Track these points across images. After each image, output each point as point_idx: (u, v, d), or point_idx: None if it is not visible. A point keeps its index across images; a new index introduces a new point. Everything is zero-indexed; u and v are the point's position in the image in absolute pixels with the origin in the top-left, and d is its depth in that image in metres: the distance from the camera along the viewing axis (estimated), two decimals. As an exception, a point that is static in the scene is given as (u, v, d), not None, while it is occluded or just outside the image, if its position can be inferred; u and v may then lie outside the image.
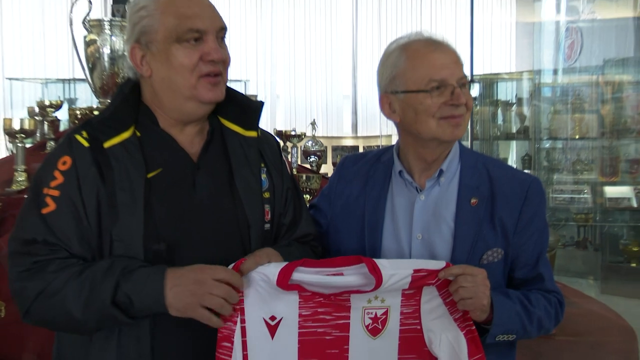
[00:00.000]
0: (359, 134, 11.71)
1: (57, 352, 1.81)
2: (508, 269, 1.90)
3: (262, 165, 1.86)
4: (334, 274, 1.65)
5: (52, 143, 4.22)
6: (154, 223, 1.69)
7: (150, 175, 1.71)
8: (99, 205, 1.68)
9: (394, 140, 9.68)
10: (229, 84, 1.83)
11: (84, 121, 1.81)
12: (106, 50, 4.23)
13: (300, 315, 1.66)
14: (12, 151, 4.37)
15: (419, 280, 1.68)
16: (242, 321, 1.64)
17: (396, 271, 1.66)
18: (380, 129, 11.52)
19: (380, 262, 1.65)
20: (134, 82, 1.82)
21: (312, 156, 4.57)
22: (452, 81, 1.80)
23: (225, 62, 1.75)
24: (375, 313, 1.70)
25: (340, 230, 1.99)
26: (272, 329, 1.66)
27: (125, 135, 1.73)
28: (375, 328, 1.71)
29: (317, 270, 1.65)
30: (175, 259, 1.67)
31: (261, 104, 1.91)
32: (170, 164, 1.76)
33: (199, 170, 1.78)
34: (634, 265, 7.02)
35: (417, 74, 1.81)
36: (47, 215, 1.67)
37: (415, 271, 1.67)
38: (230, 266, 1.64)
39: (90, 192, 1.68)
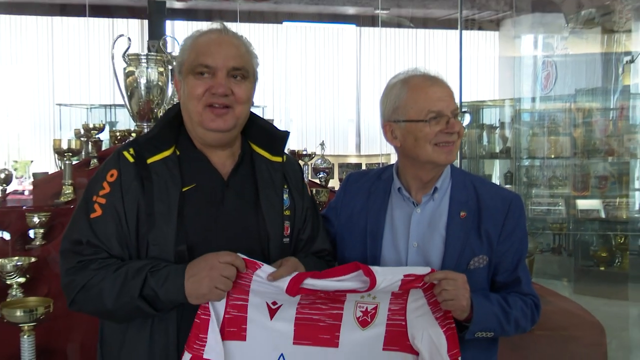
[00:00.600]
0: (362, 153, 11.71)
1: (101, 336, 1.83)
2: (491, 273, 1.90)
3: (285, 186, 1.86)
4: (337, 280, 1.66)
5: (95, 161, 4.24)
6: (185, 231, 1.70)
7: (185, 189, 1.73)
8: (138, 213, 1.70)
9: (392, 158, 9.64)
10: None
11: (132, 139, 1.84)
12: (142, 81, 4.26)
13: (299, 304, 1.67)
14: (60, 167, 4.38)
15: (408, 284, 1.68)
16: (244, 300, 1.65)
17: (388, 276, 1.66)
18: (380, 149, 11.52)
19: (375, 269, 1.66)
20: (179, 107, 1.84)
21: (322, 172, 4.57)
22: (447, 112, 1.81)
23: (235, 96, 1.74)
24: (366, 307, 1.71)
25: (345, 238, 1.99)
26: (272, 312, 1.66)
27: (167, 153, 1.75)
28: (365, 320, 1.71)
29: (322, 280, 1.65)
30: None
31: (287, 133, 1.92)
32: (203, 180, 1.77)
33: (228, 188, 1.79)
34: (602, 268, 7.00)
35: (417, 106, 1.82)
36: (93, 220, 1.70)
37: (405, 276, 1.68)
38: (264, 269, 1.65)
39: (132, 202, 1.70)
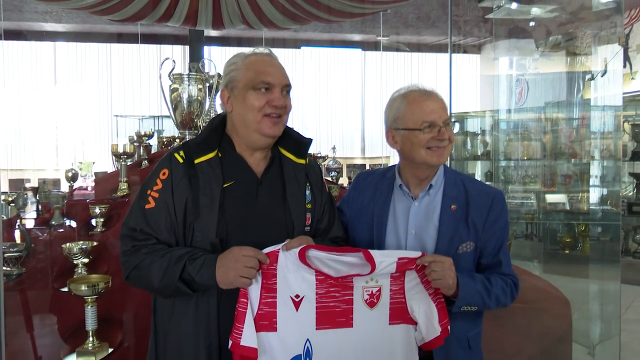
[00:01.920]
0: (366, 155, 11.70)
1: (153, 307, 1.82)
2: (477, 257, 1.88)
3: (307, 184, 1.85)
4: (339, 255, 1.67)
5: (146, 162, 4.25)
6: (225, 221, 1.70)
7: (225, 185, 1.73)
8: (185, 206, 1.70)
9: (392, 160, 9.63)
10: None
11: (183, 143, 1.84)
12: (185, 96, 4.28)
13: (317, 294, 1.67)
14: (117, 168, 4.40)
15: (403, 266, 1.68)
16: (272, 297, 1.65)
17: (385, 259, 1.66)
18: (382, 152, 11.50)
19: (373, 252, 1.66)
20: (223, 116, 1.84)
21: (333, 172, 4.57)
22: (439, 122, 1.81)
23: (286, 108, 1.77)
24: (372, 291, 1.70)
25: (356, 226, 1.98)
26: (297, 304, 1.66)
27: (211, 155, 1.75)
28: (372, 302, 1.70)
29: (326, 253, 1.66)
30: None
31: (310, 140, 1.91)
32: (241, 178, 1.76)
33: (261, 185, 1.78)
34: (567, 252, 6.97)
35: (414, 117, 1.81)
36: (147, 211, 1.71)
37: (400, 259, 1.68)
38: (272, 248, 1.65)
39: (181, 196, 1.70)
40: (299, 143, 1.88)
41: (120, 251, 1.74)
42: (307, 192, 1.85)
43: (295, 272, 1.65)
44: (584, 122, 6.94)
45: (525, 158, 7.46)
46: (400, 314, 1.72)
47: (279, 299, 1.65)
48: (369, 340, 1.70)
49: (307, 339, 1.67)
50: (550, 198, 7.11)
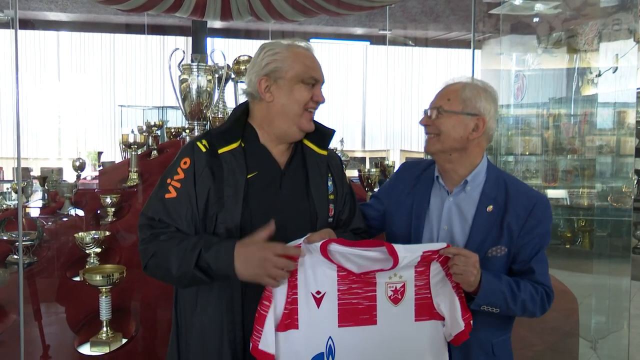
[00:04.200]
0: (366, 149, 11.67)
1: (175, 298, 1.78)
2: (509, 262, 1.80)
3: (329, 175, 1.81)
4: (361, 250, 1.60)
5: (155, 152, 4.21)
6: (250, 211, 1.66)
7: (249, 176, 1.68)
8: (208, 196, 1.65)
9: (391, 154, 9.55)
10: None
11: (205, 132, 1.79)
12: (194, 86, 4.23)
13: (338, 290, 1.61)
14: (125, 157, 4.35)
15: (426, 258, 1.63)
16: (294, 293, 1.59)
17: (408, 254, 1.60)
18: (381, 145, 11.49)
19: (397, 247, 1.59)
20: (245, 106, 1.79)
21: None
22: (429, 107, 1.82)
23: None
24: (395, 287, 1.64)
25: (394, 215, 1.92)
26: (318, 301, 1.60)
27: (234, 145, 1.70)
28: (396, 298, 1.65)
29: (348, 247, 1.59)
30: None
31: (333, 131, 1.88)
32: (265, 169, 1.72)
33: (285, 175, 1.74)
34: (568, 246, 6.98)
35: None
36: (167, 201, 1.65)
37: (424, 252, 1.62)
38: (294, 243, 1.59)
39: (203, 186, 1.65)
40: (323, 134, 1.84)
41: (139, 240, 1.69)
42: (330, 183, 1.81)
43: (316, 268, 1.61)
44: (586, 118, 6.93)
45: (527, 153, 7.44)
46: (427, 309, 1.67)
47: (299, 295, 1.60)
48: (395, 338, 1.65)
49: (330, 337, 1.61)
50: (551, 193, 7.09)
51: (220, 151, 1.68)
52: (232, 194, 1.65)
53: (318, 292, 1.61)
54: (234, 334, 1.65)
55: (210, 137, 1.71)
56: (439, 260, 1.65)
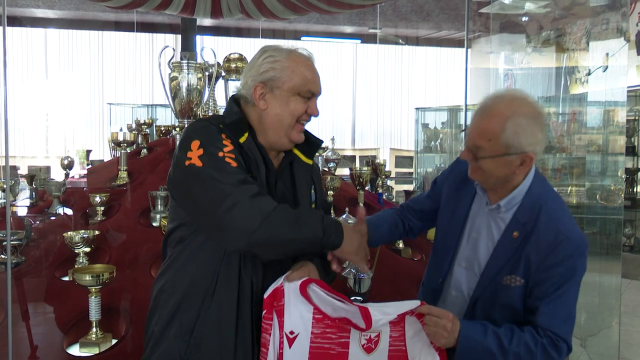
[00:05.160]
0: (356, 147, 11.67)
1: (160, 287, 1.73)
2: (526, 295, 1.66)
3: (312, 184, 1.84)
4: (338, 300, 1.59)
5: (145, 151, 4.16)
6: None
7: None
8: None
9: (381, 152, 9.57)
10: None
11: (212, 120, 1.70)
12: (184, 84, 4.20)
13: (312, 333, 1.58)
14: (114, 155, 4.31)
15: (402, 316, 1.60)
16: (280, 328, 1.58)
17: (383, 316, 1.57)
18: (370, 144, 11.48)
19: (372, 310, 1.56)
20: (237, 102, 1.74)
21: (332, 162, 4.51)
22: (468, 141, 1.68)
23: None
24: (370, 335, 1.60)
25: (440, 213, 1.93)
26: (290, 341, 1.58)
27: (247, 136, 1.68)
28: (369, 347, 1.61)
29: (326, 292, 1.59)
30: None
31: (321, 141, 1.87)
32: (265, 165, 1.71)
33: (278, 179, 1.75)
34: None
35: None
36: (235, 169, 1.55)
37: (399, 315, 1.59)
38: (275, 284, 1.61)
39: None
40: (312, 144, 1.83)
41: (241, 200, 1.50)
42: (312, 192, 1.83)
43: (293, 307, 1.58)
44: (575, 117, 6.95)
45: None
46: None
47: (272, 334, 1.57)
48: None
49: None
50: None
51: (241, 140, 1.65)
52: (261, 178, 1.66)
53: (291, 332, 1.58)
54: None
55: (225, 127, 1.65)
56: (415, 316, 1.62)
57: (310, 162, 1.83)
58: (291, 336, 1.57)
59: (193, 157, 1.54)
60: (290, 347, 1.57)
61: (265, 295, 1.58)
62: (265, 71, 1.67)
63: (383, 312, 1.57)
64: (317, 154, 2.08)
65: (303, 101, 1.68)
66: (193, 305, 1.62)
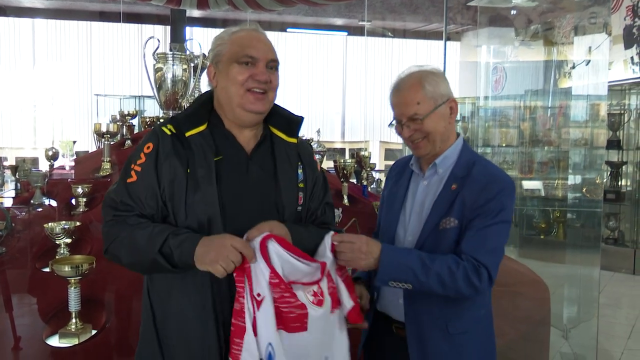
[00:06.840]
0: (346, 140, 11.67)
1: (147, 286, 1.74)
2: (460, 236, 1.74)
3: (299, 163, 1.80)
4: (296, 259, 1.59)
5: (129, 142, 4.16)
6: (220, 193, 1.64)
7: (215, 159, 1.67)
8: (175, 179, 1.63)
9: (370, 145, 9.56)
10: None
11: (170, 118, 1.76)
12: (169, 75, 4.18)
13: (273, 298, 1.56)
14: (99, 147, 4.29)
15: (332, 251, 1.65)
16: (251, 290, 1.56)
17: (326, 259, 1.64)
18: (360, 136, 11.49)
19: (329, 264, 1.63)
20: (210, 93, 1.77)
21: (318, 155, 4.50)
22: (401, 118, 1.80)
23: (271, 83, 1.70)
24: (313, 290, 1.61)
25: (381, 211, 2.00)
26: (258, 304, 1.55)
27: (201, 128, 1.69)
28: (320, 300, 1.61)
29: (287, 251, 1.58)
30: (226, 224, 1.62)
31: (302, 118, 1.86)
32: (230, 154, 1.70)
33: (251, 161, 1.72)
34: (542, 237, 7.07)
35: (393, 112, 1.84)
36: (129, 184, 1.65)
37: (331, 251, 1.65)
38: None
39: (167, 169, 1.63)
40: (290, 121, 1.82)
41: (103, 222, 1.68)
42: (299, 170, 1.79)
43: (257, 268, 1.56)
44: (562, 111, 6.99)
45: (503, 145, 7.50)
46: (336, 299, 1.66)
47: (245, 295, 1.56)
48: (325, 342, 1.65)
49: (269, 343, 1.56)
50: (527, 184, 7.17)
51: (188, 134, 1.66)
52: (206, 174, 1.63)
53: (259, 294, 1.56)
54: (221, 316, 1.63)
55: (177, 122, 1.70)
56: (332, 250, 1.65)
57: (294, 140, 1.81)
58: (258, 298, 1.56)
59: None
60: (259, 310, 1.56)
61: None
62: (212, 50, 1.72)
63: (325, 256, 1.63)
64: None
65: (243, 67, 1.66)
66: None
